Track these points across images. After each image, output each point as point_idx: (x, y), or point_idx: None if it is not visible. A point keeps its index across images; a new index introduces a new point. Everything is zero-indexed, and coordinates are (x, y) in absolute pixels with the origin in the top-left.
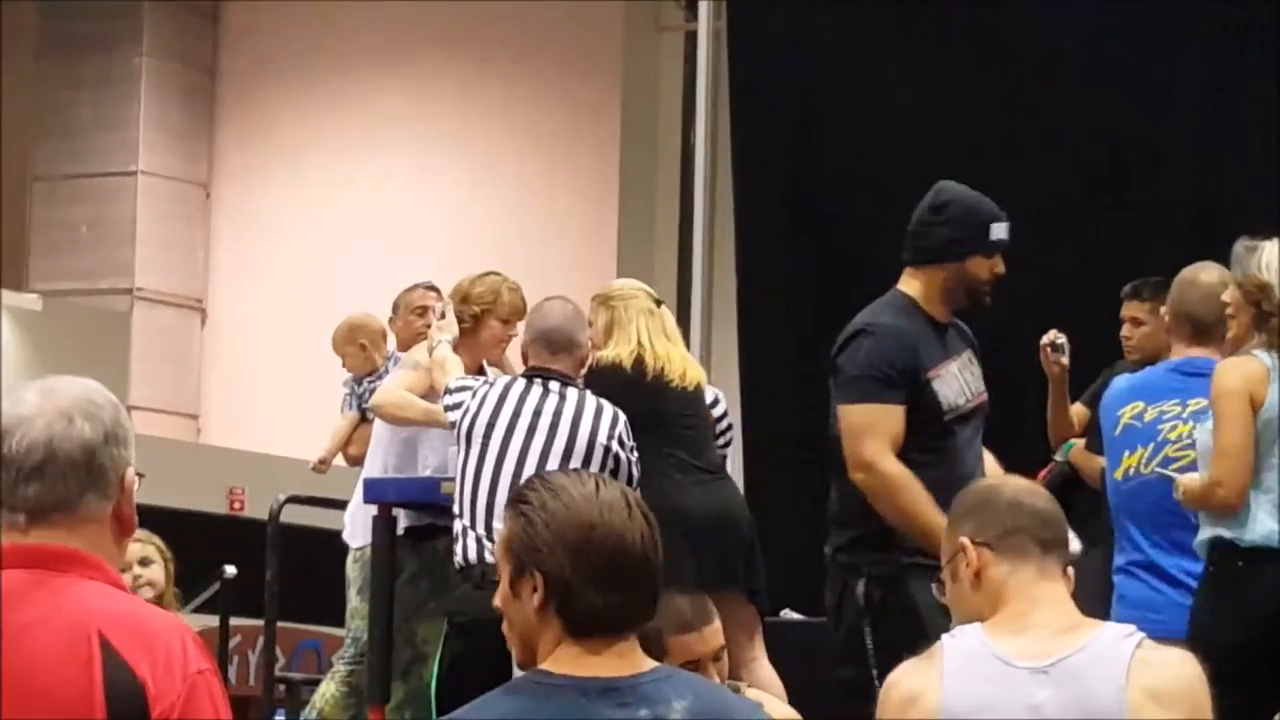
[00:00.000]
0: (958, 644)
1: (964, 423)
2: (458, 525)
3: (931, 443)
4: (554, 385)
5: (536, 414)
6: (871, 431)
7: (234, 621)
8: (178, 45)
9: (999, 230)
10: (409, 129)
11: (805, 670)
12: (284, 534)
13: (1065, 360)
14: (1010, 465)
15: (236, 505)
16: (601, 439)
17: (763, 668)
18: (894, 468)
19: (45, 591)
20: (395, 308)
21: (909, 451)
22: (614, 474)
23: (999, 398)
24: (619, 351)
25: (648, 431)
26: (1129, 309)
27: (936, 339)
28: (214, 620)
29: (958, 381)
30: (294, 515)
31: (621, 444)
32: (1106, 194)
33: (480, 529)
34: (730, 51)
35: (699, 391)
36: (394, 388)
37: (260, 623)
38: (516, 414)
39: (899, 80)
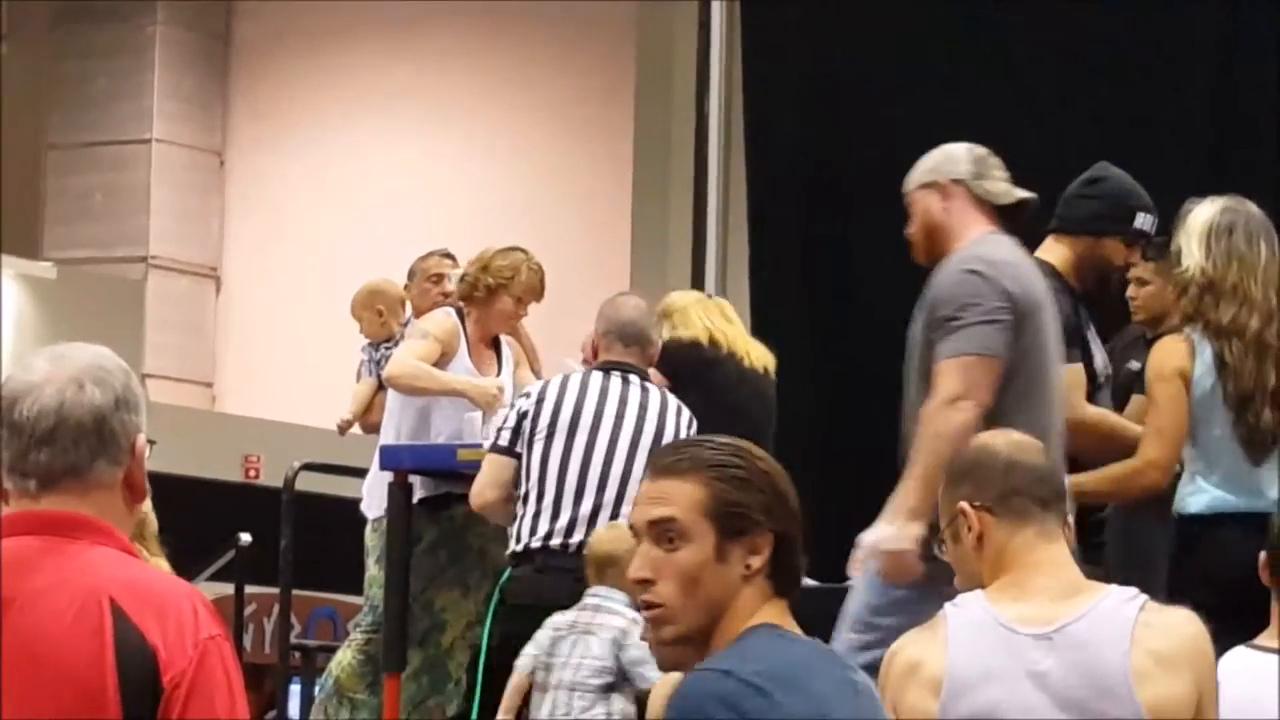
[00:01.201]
0: (961, 612)
1: (1101, 392)
2: (525, 509)
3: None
4: (633, 378)
5: (622, 403)
6: (1069, 391)
7: (249, 589)
8: (192, 14)
9: (1143, 220)
10: (422, 99)
11: (821, 635)
12: (299, 501)
13: None
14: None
15: (251, 473)
16: (682, 435)
17: None
18: (1098, 413)
19: (57, 558)
20: (411, 274)
21: None
22: None
23: None
24: (693, 332)
25: (709, 417)
26: (1133, 270)
27: (1081, 308)
28: (229, 588)
29: (1099, 352)
30: (309, 483)
31: None
32: None
33: (565, 518)
34: (743, 25)
35: (767, 377)
36: (406, 358)
37: (275, 590)
38: (602, 404)
39: (913, 42)
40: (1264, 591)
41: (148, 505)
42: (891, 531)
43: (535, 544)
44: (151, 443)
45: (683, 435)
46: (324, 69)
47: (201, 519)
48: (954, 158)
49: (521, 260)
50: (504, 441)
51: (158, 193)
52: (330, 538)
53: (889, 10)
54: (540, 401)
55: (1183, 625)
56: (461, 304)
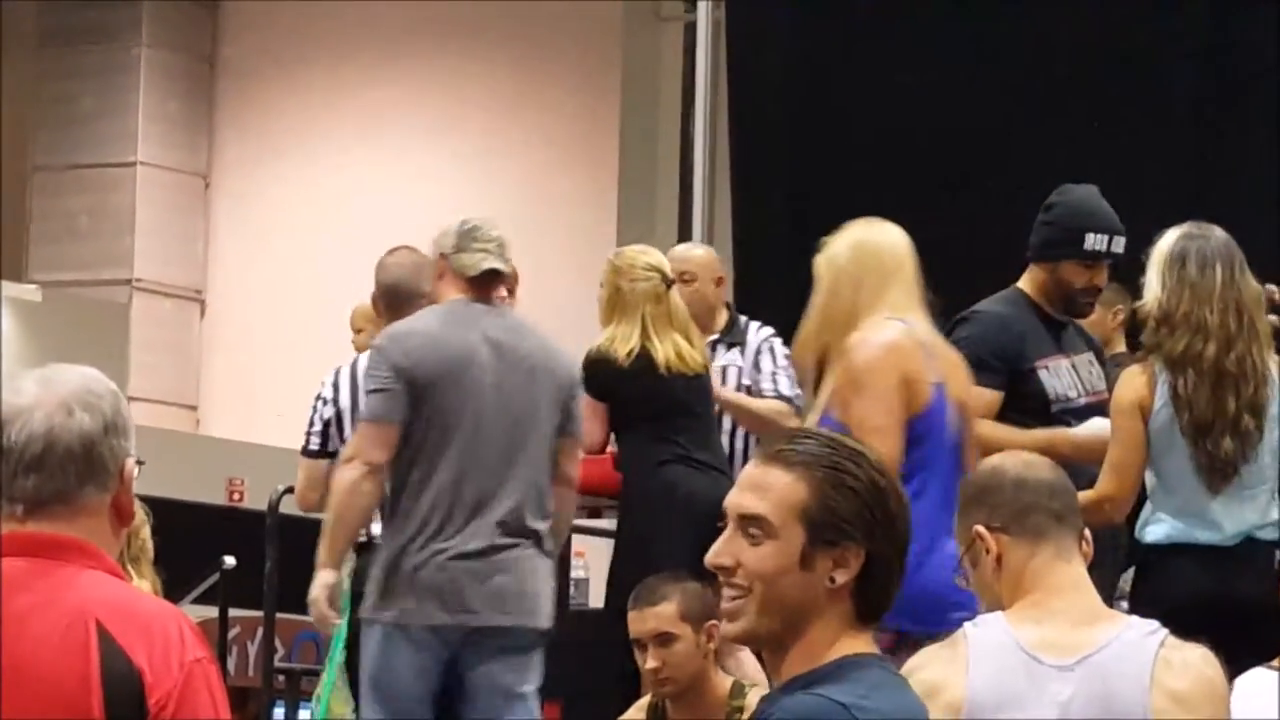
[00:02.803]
0: (981, 634)
1: (1078, 417)
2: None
3: None
4: None
5: None
6: None
7: (233, 613)
8: (177, 35)
9: (1095, 240)
10: (408, 119)
11: None
12: (283, 525)
13: None
14: None
15: (236, 496)
16: None
17: (748, 659)
18: (979, 428)
19: (43, 580)
20: None
21: None
22: None
23: None
24: (616, 348)
25: (647, 420)
26: None
27: (1048, 333)
28: (213, 611)
29: (1070, 376)
30: (293, 506)
31: None
32: (1108, 187)
33: None
34: (729, 43)
35: (701, 379)
36: None
37: (259, 614)
38: None
39: (898, 72)
40: (1209, 622)
41: (146, 533)
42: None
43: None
44: (140, 463)
45: None
46: (309, 91)
47: (185, 542)
48: (446, 233)
49: None
50: (314, 446)
51: (143, 215)
52: (314, 561)
53: (874, 17)
54: (336, 403)
55: (1201, 666)
56: None
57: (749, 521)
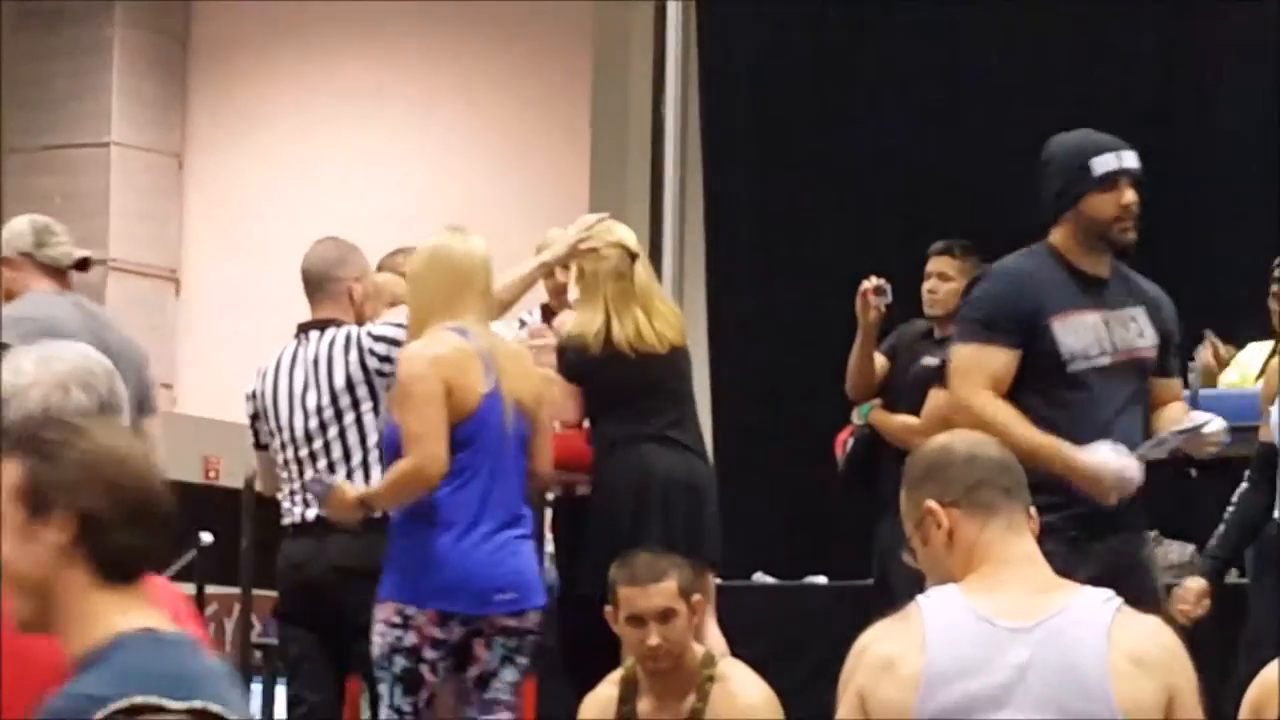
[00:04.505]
0: (936, 605)
1: (1103, 376)
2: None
3: (1058, 393)
4: (313, 335)
5: (304, 370)
6: (966, 374)
7: (210, 589)
8: (150, 16)
9: (1105, 162)
10: (382, 98)
11: (776, 633)
12: (259, 502)
13: (884, 307)
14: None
15: (212, 474)
16: (353, 371)
17: (711, 631)
18: (981, 402)
19: None
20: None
21: (1029, 398)
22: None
23: None
24: (584, 331)
25: (618, 401)
26: (938, 264)
27: (1076, 287)
28: (190, 588)
29: (1094, 333)
30: None
31: (380, 372)
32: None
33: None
34: (699, 19)
35: (673, 354)
36: None
37: (236, 590)
38: (291, 383)
39: (866, 48)
40: None
41: None
42: None
43: (310, 517)
44: None
45: (354, 368)
46: (283, 70)
47: None
48: (18, 233)
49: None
50: (253, 441)
51: (117, 196)
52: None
53: (844, 7)
54: (259, 398)
55: (1158, 631)
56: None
57: None
